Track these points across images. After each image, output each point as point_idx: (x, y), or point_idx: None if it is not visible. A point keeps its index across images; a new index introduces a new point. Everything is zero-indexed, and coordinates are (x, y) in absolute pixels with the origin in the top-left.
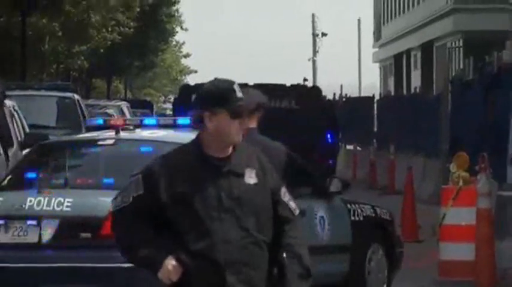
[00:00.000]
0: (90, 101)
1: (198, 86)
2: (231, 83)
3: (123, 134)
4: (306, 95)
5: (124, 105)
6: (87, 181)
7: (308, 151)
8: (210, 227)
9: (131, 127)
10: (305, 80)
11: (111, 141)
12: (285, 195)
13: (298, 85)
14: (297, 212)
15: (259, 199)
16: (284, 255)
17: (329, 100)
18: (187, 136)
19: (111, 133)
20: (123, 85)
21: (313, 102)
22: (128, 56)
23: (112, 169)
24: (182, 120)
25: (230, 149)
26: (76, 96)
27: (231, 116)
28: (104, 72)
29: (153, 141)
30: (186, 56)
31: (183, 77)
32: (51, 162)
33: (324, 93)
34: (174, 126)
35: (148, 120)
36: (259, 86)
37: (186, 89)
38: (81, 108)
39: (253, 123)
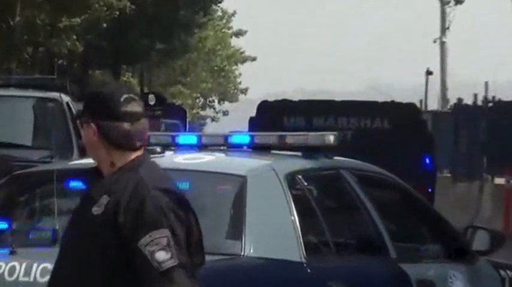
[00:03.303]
0: None
1: (280, 104)
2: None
3: None
4: (401, 114)
5: None
6: None
7: (403, 178)
8: (54, 265)
9: (157, 149)
10: (429, 73)
11: None
12: (150, 244)
13: (392, 103)
14: (163, 267)
15: (96, 236)
16: None
17: (424, 119)
18: (242, 162)
19: None
20: (138, 80)
21: (408, 122)
22: (145, 34)
23: None
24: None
25: (105, 170)
26: (64, 98)
27: None
28: (107, 60)
29: (190, 172)
30: (238, 34)
31: (234, 67)
32: (30, 205)
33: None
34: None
35: (184, 138)
36: (347, 104)
37: (265, 107)
38: (72, 115)
39: None
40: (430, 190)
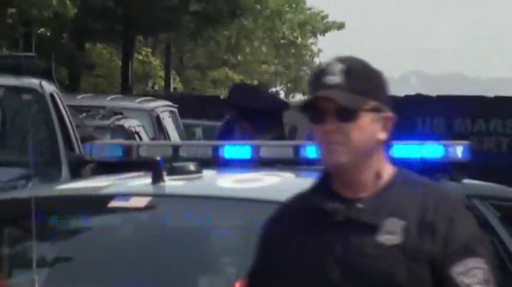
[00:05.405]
0: (80, 98)
1: (409, 100)
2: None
3: (171, 185)
4: None
5: (164, 108)
6: None
7: None
8: None
9: (190, 166)
10: None
11: (142, 203)
12: (466, 275)
13: None
14: None
15: (398, 274)
16: None
17: None
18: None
19: (144, 181)
20: (162, 60)
21: None
22: None
23: (146, 270)
24: None
25: (369, 183)
26: (48, 87)
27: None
28: (114, 29)
29: (242, 202)
30: None
31: (310, 41)
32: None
33: None
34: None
35: (233, 150)
36: (503, 101)
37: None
38: (59, 114)
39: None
40: None
